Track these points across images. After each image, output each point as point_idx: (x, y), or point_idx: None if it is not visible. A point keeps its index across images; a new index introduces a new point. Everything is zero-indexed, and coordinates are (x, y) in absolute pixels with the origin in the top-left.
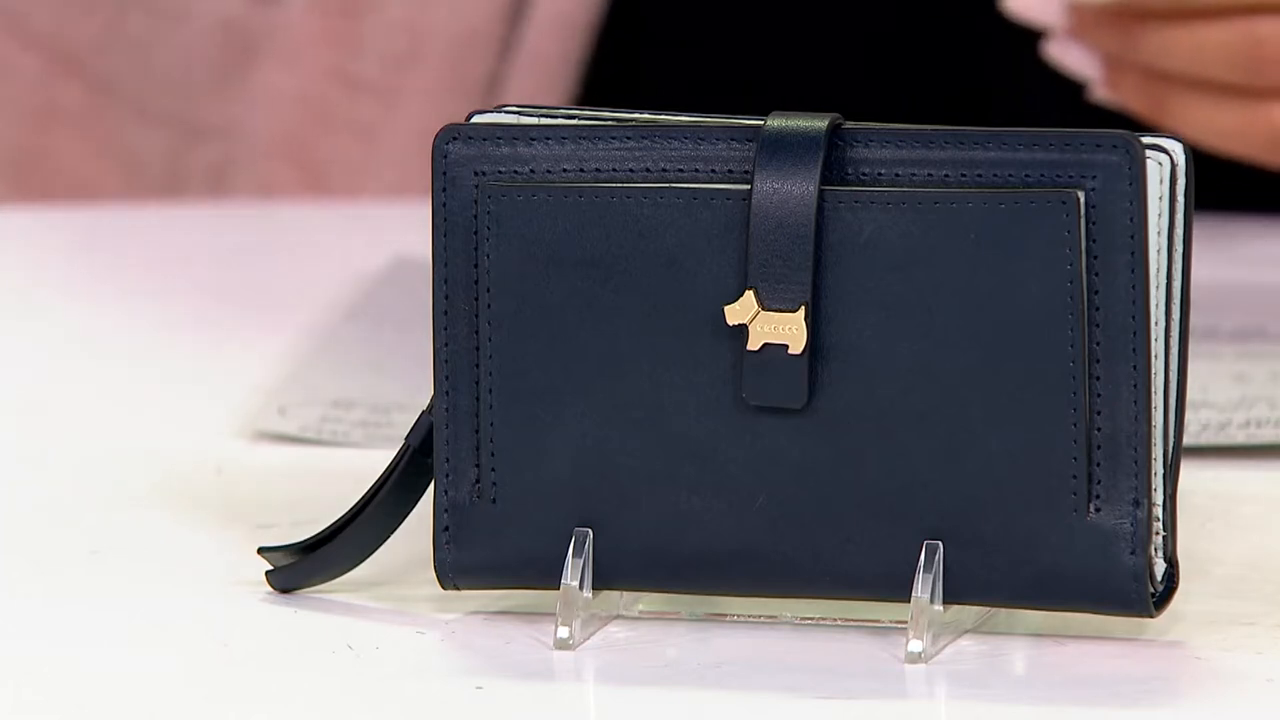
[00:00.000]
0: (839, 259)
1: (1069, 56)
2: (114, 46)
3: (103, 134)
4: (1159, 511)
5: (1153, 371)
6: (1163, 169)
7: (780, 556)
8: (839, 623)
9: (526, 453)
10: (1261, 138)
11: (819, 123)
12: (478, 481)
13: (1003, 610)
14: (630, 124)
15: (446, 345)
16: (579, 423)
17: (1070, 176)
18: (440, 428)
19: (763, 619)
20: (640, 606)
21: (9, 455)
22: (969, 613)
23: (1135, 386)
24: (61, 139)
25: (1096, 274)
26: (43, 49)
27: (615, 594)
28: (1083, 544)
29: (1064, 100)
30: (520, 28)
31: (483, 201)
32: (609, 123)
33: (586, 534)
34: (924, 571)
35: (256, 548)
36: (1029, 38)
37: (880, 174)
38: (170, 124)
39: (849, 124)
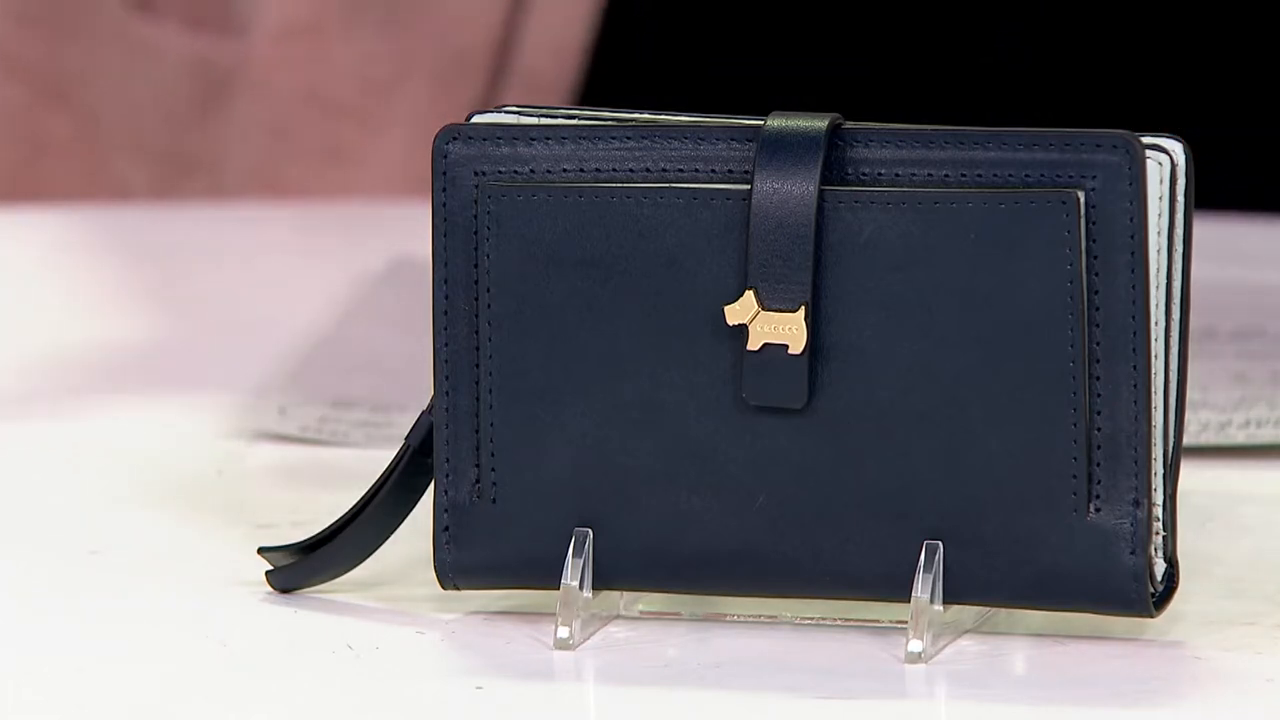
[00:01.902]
0: (839, 259)
1: None
2: (98, 79)
3: (92, 164)
4: (1159, 511)
5: (1153, 371)
6: (1163, 169)
7: (780, 556)
8: (839, 623)
9: (526, 453)
10: None
11: (819, 123)
12: (478, 481)
13: (1003, 610)
14: (630, 124)
15: (446, 345)
16: (579, 423)
17: (1070, 176)
18: (440, 428)
19: (763, 619)
20: (640, 606)
21: (9, 455)
22: (969, 613)
23: (1135, 386)
24: (51, 169)
25: (1096, 274)
26: (29, 80)
27: (615, 594)
28: (1083, 544)
29: (1064, 101)
30: (513, 51)
31: (483, 201)
32: (609, 123)
33: (586, 534)
34: (924, 571)
35: (256, 548)
36: (1029, 36)
37: (880, 174)
38: (156, 157)
39: (849, 124)
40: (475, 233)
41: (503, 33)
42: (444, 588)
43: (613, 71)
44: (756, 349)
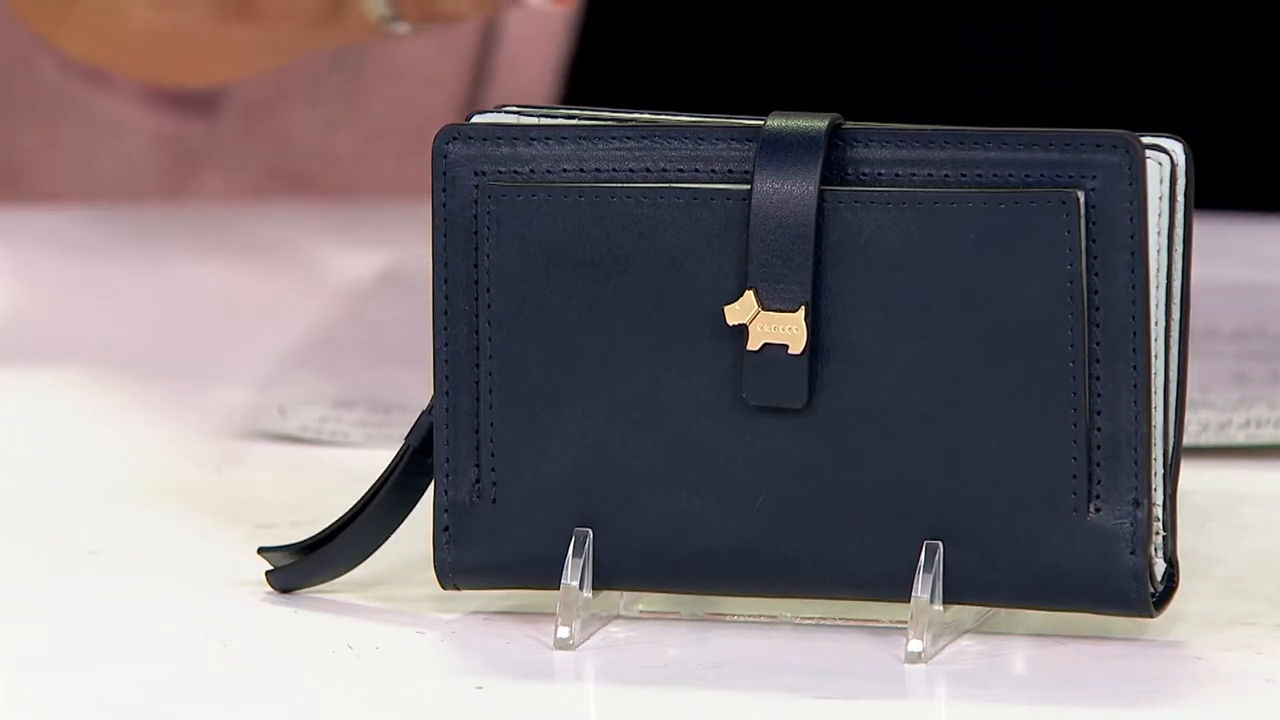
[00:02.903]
0: (839, 259)
1: None
2: (50, 157)
3: None
4: (1159, 511)
5: (1153, 371)
6: (1163, 169)
7: (780, 556)
8: (839, 623)
9: (526, 453)
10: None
11: (819, 123)
12: (478, 481)
13: (1003, 610)
14: (630, 124)
15: (446, 345)
16: (579, 423)
17: (1070, 176)
18: (440, 428)
19: (763, 619)
20: (640, 606)
21: (9, 454)
22: (969, 613)
23: (1135, 386)
24: None
25: (1096, 274)
26: None
27: (615, 594)
28: (1083, 544)
29: (1064, 102)
30: (480, 107)
31: (483, 201)
32: (609, 123)
33: (586, 534)
34: (924, 571)
35: (256, 548)
36: (1029, 36)
37: (880, 174)
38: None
39: (849, 124)
40: (475, 233)
41: (468, 95)
42: (444, 588)
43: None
44: (756, 349)
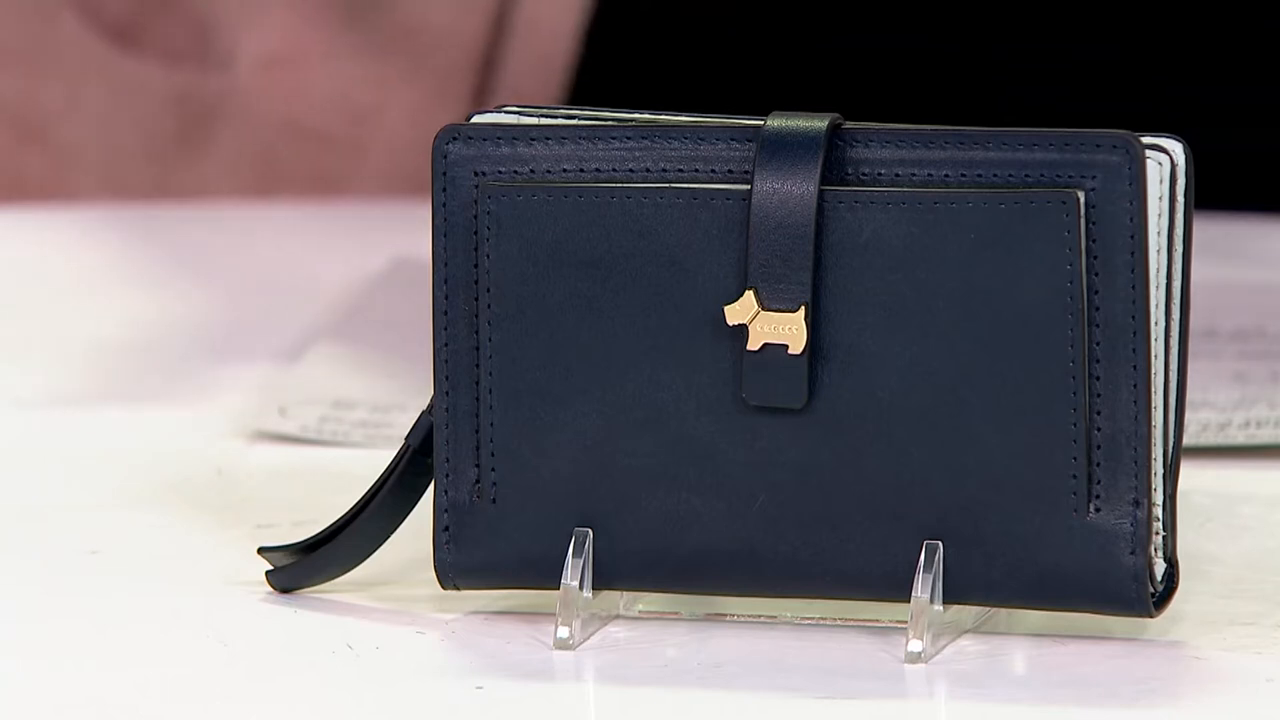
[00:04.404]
0: (839, 259)
1: None
2: (74, 117)
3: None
4: (1159, 511)
5: (1153, 371)
6: (1163, 169)
7: (780, 556)
8: (839, 623)
9: (526, 453)
10: None
11: (819, 123)
12: (478, 481)
13: (1003, 610)
14: (630, 124)
15: (446, 345)
16: (579, 423)
17: (1070, 176)
18: (440, 428)
19: (763, 619)
20: (640, 606)
21: (9, 454)
22: (969, 613)
23: (1135, 386)
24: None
25: (1096, 274)
26: (4, 118)
27: (615, 594)
28: (1082, 544)
29: (1064, 100)
30: (497, 70)
31: (483, 201)
32: (609, 123)
33: (586, 534)
34: (924, 571)
35: (256, 548)
36: (1030, 35)
37: (880, 174)
38: (137, 193)
39: (849, 124)
40: (475, 233)
41: (486, 52)
42: (444, 588)
43: (599, 89)
44: (756, 349)
